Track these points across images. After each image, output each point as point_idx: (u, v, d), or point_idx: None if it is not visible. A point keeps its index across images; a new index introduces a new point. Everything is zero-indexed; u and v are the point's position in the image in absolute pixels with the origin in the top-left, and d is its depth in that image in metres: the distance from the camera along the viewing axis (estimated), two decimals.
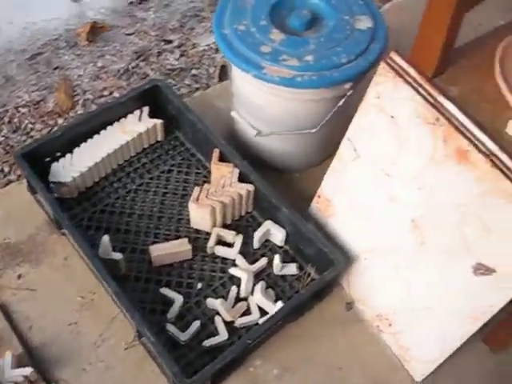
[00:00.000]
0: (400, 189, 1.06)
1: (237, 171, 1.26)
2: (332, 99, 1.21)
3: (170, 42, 1.85)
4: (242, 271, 1.20)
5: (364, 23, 1.22)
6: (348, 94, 1.20)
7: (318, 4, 1.25)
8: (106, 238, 1.20)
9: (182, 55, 1.81)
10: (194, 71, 1.76)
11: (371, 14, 1.24)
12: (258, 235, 1.24)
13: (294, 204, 1.25)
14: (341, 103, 1.20)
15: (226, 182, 1.25)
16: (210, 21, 1.91)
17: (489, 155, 0.91)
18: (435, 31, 0.97)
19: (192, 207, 1.23)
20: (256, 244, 1.26)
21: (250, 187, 1.25)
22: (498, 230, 0.93)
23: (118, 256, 1.17)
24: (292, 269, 1.24)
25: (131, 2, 1.97)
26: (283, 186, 1.37)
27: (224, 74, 1.69)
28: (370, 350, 1.20)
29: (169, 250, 1.21)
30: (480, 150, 0.92)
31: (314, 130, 1.24)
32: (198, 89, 1.70)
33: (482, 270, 0.97)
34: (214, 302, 1.17)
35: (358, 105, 1.07)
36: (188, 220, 1.29)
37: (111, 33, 1.87)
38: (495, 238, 0.94)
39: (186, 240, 1.23)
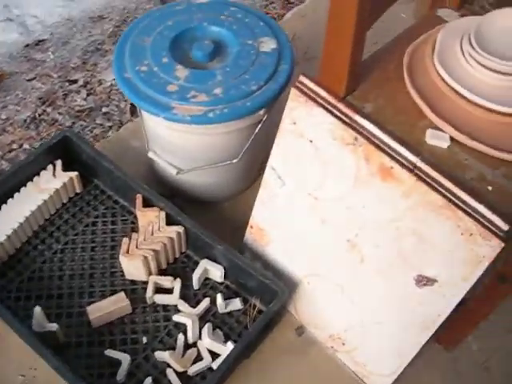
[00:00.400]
0: (330, 211, 1.04)
1: (163, 214, 1.22)
2: (248, 127, 1.18)
3: (75, 81, 1.78)
4: (186, 317, 1.16)
5: (268, 45, 1.20)
6: (263, 119, 1.17)
7: (219, 32, 1.22)
8: (38, 310, 1.14)
9: (89, 94, 1.74)
10: (104, 109, 1.70)
11: (274, 34, 1.22)
12: (196, 276, 1.21)
13: (229, 234, 1.23)
14: (257, 130, 1.18)
15: (154, 228, 1.21)
16: (113, 53, 1.84)
17: (412, 169, 0.91)
18: (339, 49, 0.95)
19: (123, 260, 1.18)
20: (196, 285, 1.22)
21: (180, 229, 1.21)
22: (433, 241, 0.93)
23: (53, 327, 1.11)
24: (236, 304, 1.21)
25: (27, 45, 1.89)
26: (214, 218, 1.34)
27: (136, 107, 1.63)
28: (329, 370, 1.19)
29: (107, 309, 1.16)
30: (403, 165, 0.91)
31: (235, 161, 1.21)
32: (111, 127, 1.64)
33: (424, 281, 0.97)
34: (162, 355, 1.13)
35: (277, 125, 1.05)
36: (122, 271, 1.23)
37: (11, 80, 1.78)
38: (431, 249, 0.94)
39: (122, 294, 1.18)
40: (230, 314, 1.21)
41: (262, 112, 1.15)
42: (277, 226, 1.16)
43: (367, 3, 0.91)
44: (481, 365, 1.22)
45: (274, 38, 1.21)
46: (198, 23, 1.24)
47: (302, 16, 1.85)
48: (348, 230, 1.03)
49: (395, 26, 1.29)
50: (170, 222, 1.22)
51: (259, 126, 1.18)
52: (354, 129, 0.95)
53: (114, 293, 1.20)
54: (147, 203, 1.24)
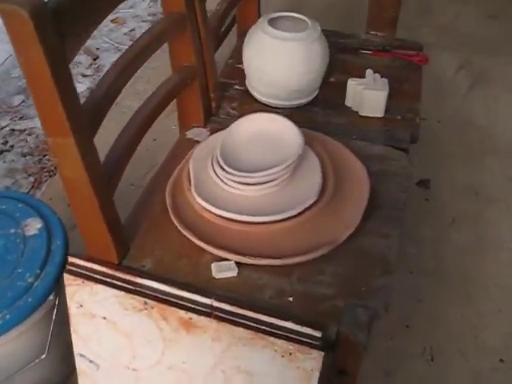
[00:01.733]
0: (154, 377, 0.97)
1: None
2: (44, 317, 1.08)
3: None
4: None
5: (34, 226, 1.12)
6: (56, 303, 1.09)
7: None
8: None
9: None
10: None
11: (37, 212, 1.15)
12: None
13: None
14: (54, 317, 1.09)
15: None
16: None
17: (210, 313, 0.87)
18: (92, 224, 0.90)
19: None
20: None
21: None
22: (260, 371, 0.89)
23: None
24: None
25: None
26: None
27: None
28: None
29: None
30: (200, 312, 0.88)
31: (43, 356, 1.10)
32: None
33: None
34: None
35: None
36: None
37: None
38: (262, 379, 0.90)
39: None
40: None
41: (51, 298, 1.06)
42: None
43: (104, 178, 0.88)
44: None
45: (38, 216, 1.13)
46: None
47: None
48: None
49: (168, 139, 1.27)
50: None
51: (54, 311, 1.09)
52: (140, 293, 0.90)
53: None
54: None
